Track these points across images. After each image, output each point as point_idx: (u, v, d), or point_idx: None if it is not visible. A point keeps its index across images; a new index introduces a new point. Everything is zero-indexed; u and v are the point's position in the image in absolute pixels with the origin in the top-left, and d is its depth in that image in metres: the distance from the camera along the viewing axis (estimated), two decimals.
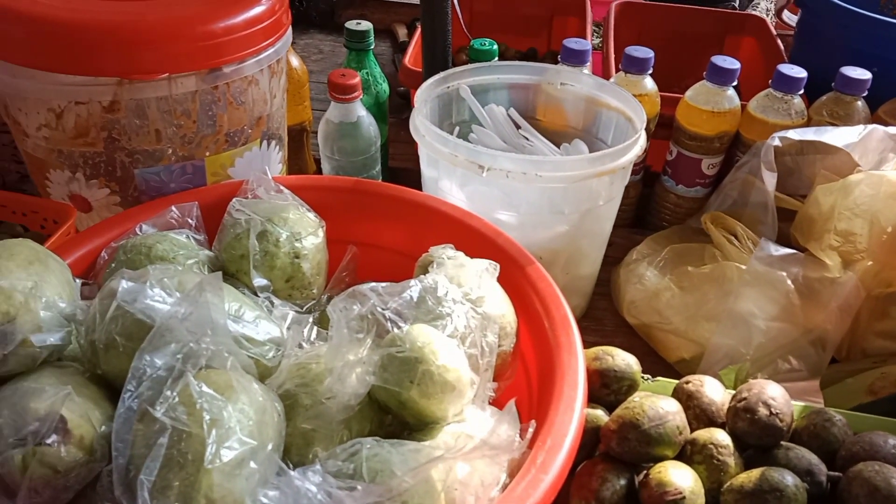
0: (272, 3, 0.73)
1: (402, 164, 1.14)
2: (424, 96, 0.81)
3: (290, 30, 0.78)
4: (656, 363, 0.85)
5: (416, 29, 1.49)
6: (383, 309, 0.55)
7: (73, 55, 0.65)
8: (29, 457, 0.45)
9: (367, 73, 0.96)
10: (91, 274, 0.65)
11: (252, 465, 0.44)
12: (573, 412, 0.53)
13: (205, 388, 0.44)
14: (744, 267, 0.80)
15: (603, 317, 0.91)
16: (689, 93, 0.95)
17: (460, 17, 1.14)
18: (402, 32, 1.55)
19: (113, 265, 0.63)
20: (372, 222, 0.75)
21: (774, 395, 0.61)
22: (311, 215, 0.69)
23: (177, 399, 0.43)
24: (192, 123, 0.71)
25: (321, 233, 0.69)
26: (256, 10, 0.72)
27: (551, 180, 0.70)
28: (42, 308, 0.51)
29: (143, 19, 0.67)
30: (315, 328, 0.63)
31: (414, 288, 0.57)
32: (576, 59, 0.91)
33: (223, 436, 0.43)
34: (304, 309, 0.67)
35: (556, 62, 0.93)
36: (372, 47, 0.96)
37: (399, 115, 1.25)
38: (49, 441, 0.45)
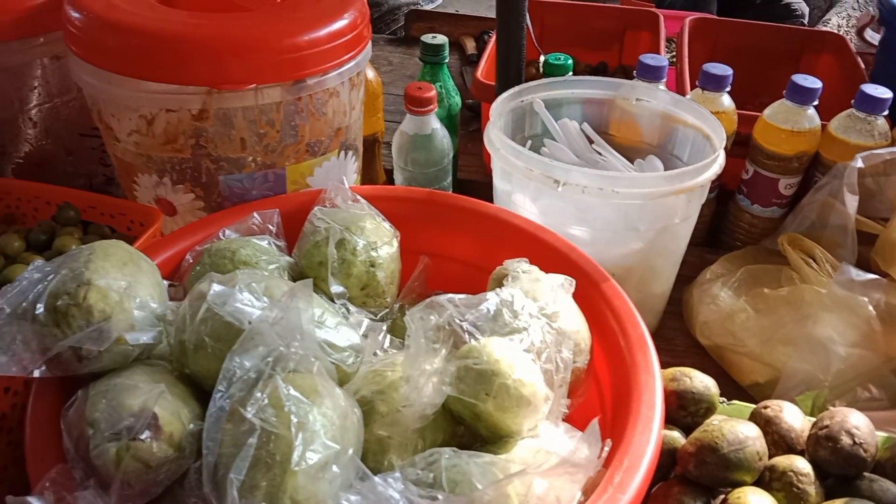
0: (354, 17, 0.75)
1: (469, 175, 1.15)
2: (499, 110, 0.81)
3: (370, 43, 0.80)
4: (728, 386, 0.83)
5: (485, 42, 1.50)
6: (461, 320, 0.55)
7: (166, 64, 0.68)
8: (123, 451, 0.46)
9: (440, 85, 0.97)
10: (176, 275, 0.67)
11: (335, 468, 0.45)
12: (650, 433, 0.52)
13: (292, 391, 0.45)
14: (823, 291, 0.78)
15: (674, 336, 0.90)
16: (767, 111, 0.93)
17: (531, 30, 1.14)
18: (470, 45, 1.56)
19: (198, 268, 0.65)
20: (444, 233, 0.76)
21: (858, 424, 0.59)
22: (387, 225, 0.70)
23: (266, 401, 0.44)
24: (275, 133, 0.73)
25: (395, 243, 0.70)
26: (339, 24, 0.73)
27: (628, 196, 0.70)
28: (136, 308, 0.53)
29: (232, 32, 0.70)
30: (388, 336, 0.64)
31: (491, 301, 0.57)
32: (652, 74, 0.90)
33: (309, 439, 0.44)
34: (378, 317, 0.68)
35: (626, 76, 0.93)
36: (446, 61, 0.97)
37: (467, 128, 1.26)
38: (142, 437, 0.46)
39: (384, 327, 0.65)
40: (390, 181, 1.12)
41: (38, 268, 0.56)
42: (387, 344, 0.64)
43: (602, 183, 0.69)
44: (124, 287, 0.53)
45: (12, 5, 0.80)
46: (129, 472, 0.46)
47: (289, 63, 0.70)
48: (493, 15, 1.71)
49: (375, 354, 0.61)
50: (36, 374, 0.51)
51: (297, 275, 0.67)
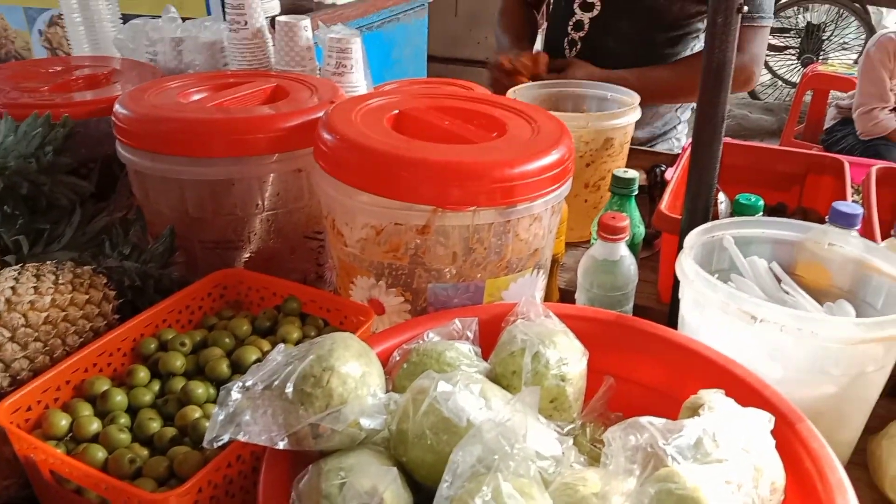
0: (563, 153, 0.83)
1: (641, 301, 1.17)
2: (691, 242, 0.85)
3: (572, 175, 0.87)
4: None
5: (656, 175, 1.55)
6: (664, 444, 0.57)
7: (400, 184, 0.78)
8: None
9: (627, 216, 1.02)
10: (385, 369, 0.74)
11: None
12: None
13: (512, 491, 0.49)
14: None
15: (856, 487, 0.85)
16: None
17: None
18: (640, 177, 1.61)
19: (405, 366, 0.71)
20: (630, 357, 0.78)
21: None
22: (577, 343, 0.74)
23: (490, 496, 0.48)
24: (483, 250, 0.80)
25: (584, 361, 0.73)
26: (549, 159, 0.81)
27: (827, 339, 0.70)
28: (368, 395, 0.60)
29: (458, 160, 0.79)
30: (574, 450, 0.67)
31: (692, 428, 0.59)
32: (845, 221, 0.91)
33: None
34: (565, 431, 0.71)
35: (804, 219, 0.94)
36: (635, 194, 1.03)
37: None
38: None
39: (570, 441, 0.68)
40: (561, 300, 1.17)
41: (282, 352, 0.64)
42: (572, 458, 0.66)
43: (801, 323, 0.70)
44: (359, 376, 0.60)
45: (267, 127, 0.95)
46: None
47: (504, 191, 0.78)
48: (661, 150, 1.76)
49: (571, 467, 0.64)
50: (280, 445, 0.58)
51: (491, 380, 0.71)
